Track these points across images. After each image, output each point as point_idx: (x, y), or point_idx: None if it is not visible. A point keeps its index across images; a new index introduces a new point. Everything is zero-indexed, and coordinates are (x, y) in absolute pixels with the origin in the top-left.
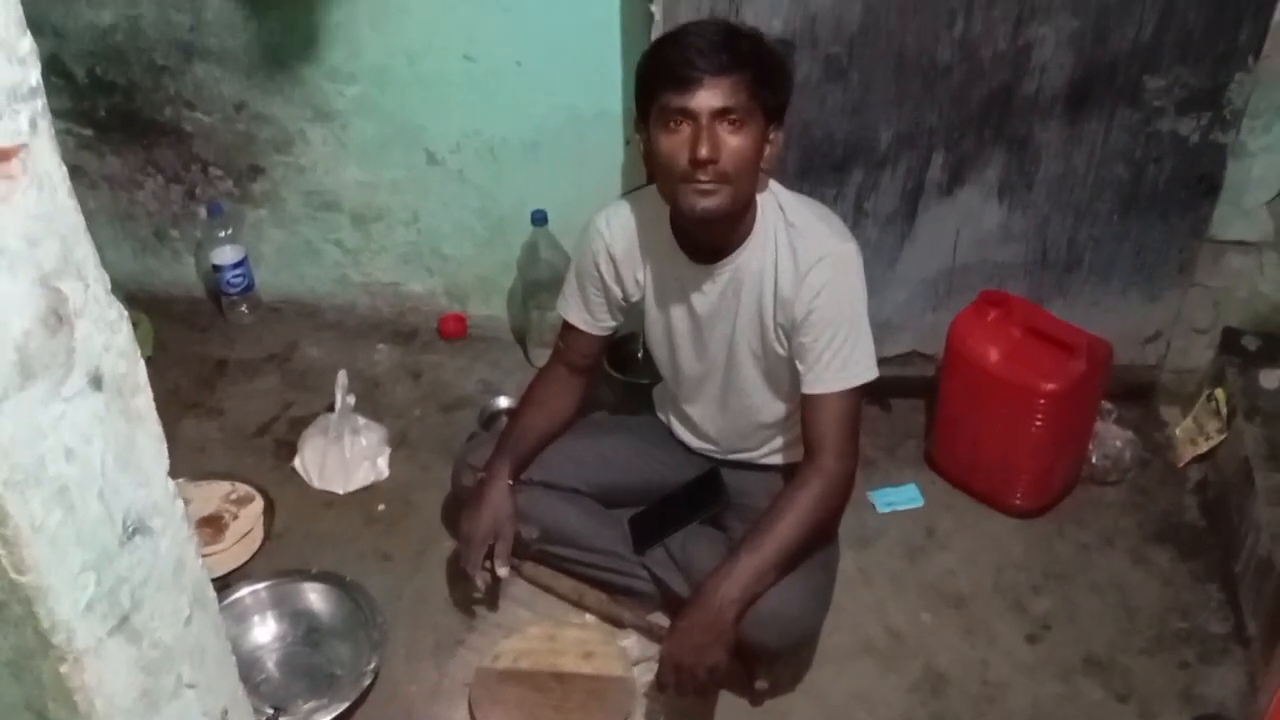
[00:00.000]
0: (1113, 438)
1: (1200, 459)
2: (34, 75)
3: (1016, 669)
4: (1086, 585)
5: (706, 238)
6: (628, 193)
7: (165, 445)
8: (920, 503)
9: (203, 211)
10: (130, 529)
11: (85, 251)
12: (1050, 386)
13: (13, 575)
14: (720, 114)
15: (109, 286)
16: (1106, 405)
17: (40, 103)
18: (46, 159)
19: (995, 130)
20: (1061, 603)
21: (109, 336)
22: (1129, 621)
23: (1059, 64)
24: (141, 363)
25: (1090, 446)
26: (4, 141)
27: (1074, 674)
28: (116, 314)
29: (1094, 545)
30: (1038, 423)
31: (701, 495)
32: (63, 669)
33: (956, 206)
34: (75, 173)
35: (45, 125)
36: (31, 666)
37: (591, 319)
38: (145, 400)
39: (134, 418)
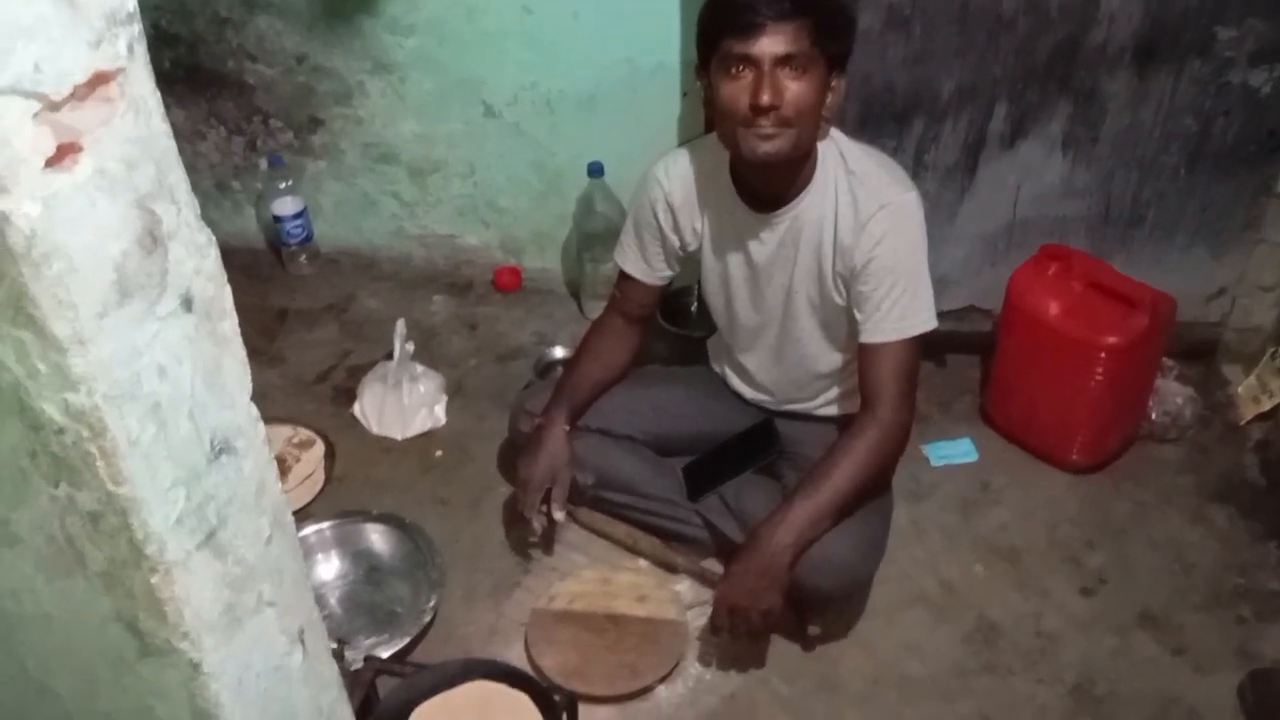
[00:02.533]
0: (1173, 395)
1: (1262, 418)
2: (131, 1)
3: (1070, 622)
4: (1143, 542)
5: (766, 185)
6: (686, 142)
7: (249, 370)
8: (975, 457)
9: (263, 163)
10: (217, 449)
11: (177, 176)
12: (1111, 341)
13: (110, 486)
14: (782, 60)
15: (199, 212)
16: (1168, 362)
17: (137, 28)
18: (142, 84)
19: (1060, 82)
20: (1117, 558)
21: (199, 260)
22: (1185, 578)
23: (1127, 14)
24: (228, 287)
25: (1150, 403)
26: (103, 65)
27: (1128, 628)
28: (206, 239)
29: (1151, 503)
30: (1097, 378)
31: (755, 444)
32: (154, 580)
33: (1018, 160)
34: None
35: (141, 50)
36: (124, 577)
37: (648, 268)
38: (231, 325)
39: (221, 341)
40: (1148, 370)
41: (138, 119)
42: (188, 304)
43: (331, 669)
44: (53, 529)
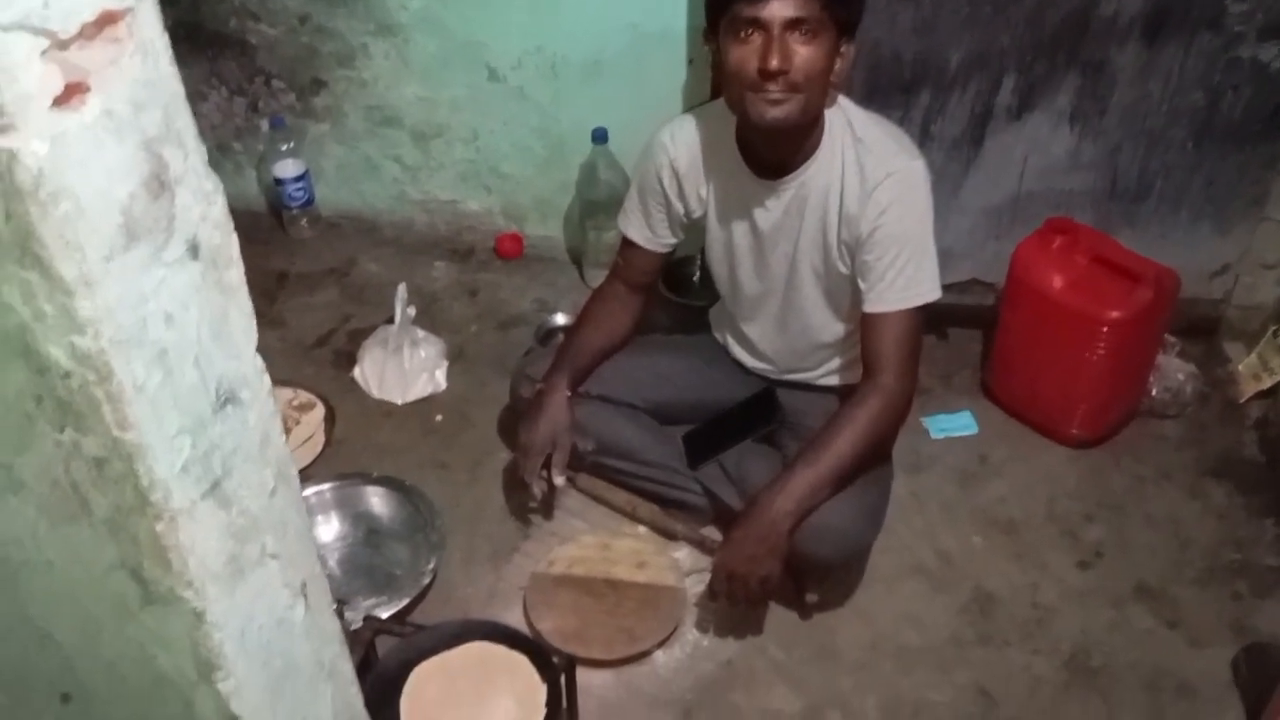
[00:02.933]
0: (1174, 371)
1: (1262, 395)
2: None
3: (1066, 594)
4: (1140, 516)
5: (773, 152)
6: (692, 107)
7: (254, 320)
8: (974, 430)
9: (265, 125)
10: (222, 398)
11: (185, 121)
12: (1114, 315)
13: (116, 432)
14: (792, 24)
15: (206, 158)
16: (1169, 338)
17: None
18: (151, 26)
19: (1069, 54)
20: (1114, 532)
21: (205, 207)
22: (1182, 553)
23: None
24: (234, 236)
25: (1151, 379)
26: (112, 4)
27: (1124, 601)
28: (213, 185)
29: (1150, 478)
30: (1099, 352)
31: (756, 413)
32: (159, 527)
33: (1025, 132)
34: None
35: None
36: (129, 524)
37: (652, 235)
38: (237, 274)
39: (227, 290)
40: (1150, 346)
41: (145, 61)
42: (194, 251)
43: (333, 624)
44: (57, 474)
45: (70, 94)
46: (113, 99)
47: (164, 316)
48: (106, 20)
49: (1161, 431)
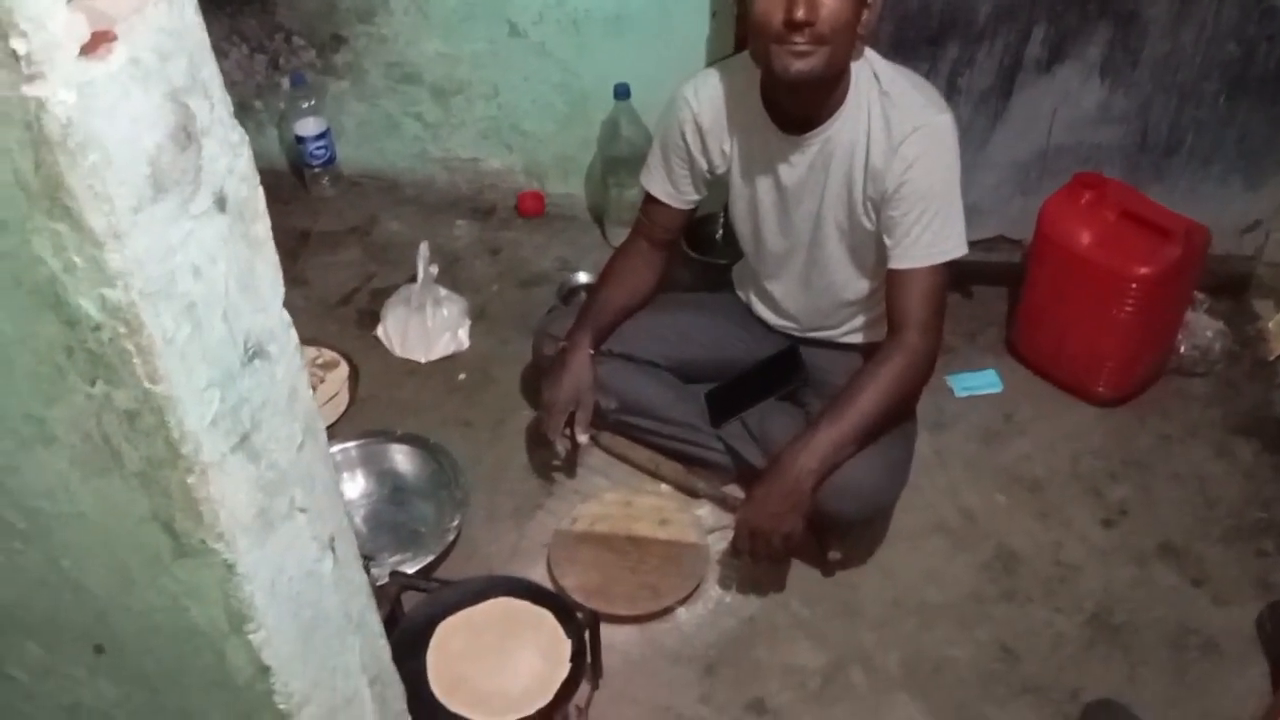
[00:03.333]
0: (1203, 328)
1: None
2: None
3: (1090, 552)
4: (1166, 475)
5: (798, 105)
6: (716, 61)
7: (280, 274)
8: (999, 388)
9: (286, 82)
10: (250, 352)
11: (211, 71)
12: (1143, 271)
13: (146, 384)
14: None
15: (231, 109)
16: (1199, 295)
17: None
18: None
19: (1100, 4)
20: (1139, 490)
21: (232, 159)
22: (1207, 511)
23: None
24: (261, 189)
25: (1179, 336)
26: None
27: (1148, 559)
28: (239, 137)
29: (1176, 436)
30: (1127, 309)
31: (779, 371)
32: (190, 480)
33: (1055, 85)
34: None
35: None
36: (160, 477)
37: (675, 192)
38: (264, 227)
39: (254, 243)
40: (1179, 303)
41: (171, 9)
42: (221, 203)
43: (361, 577)
44: (89, 427)
45: (97, 42)
46: (139, 47)
47: (192, 269)
48: None
49: (1189, 389)
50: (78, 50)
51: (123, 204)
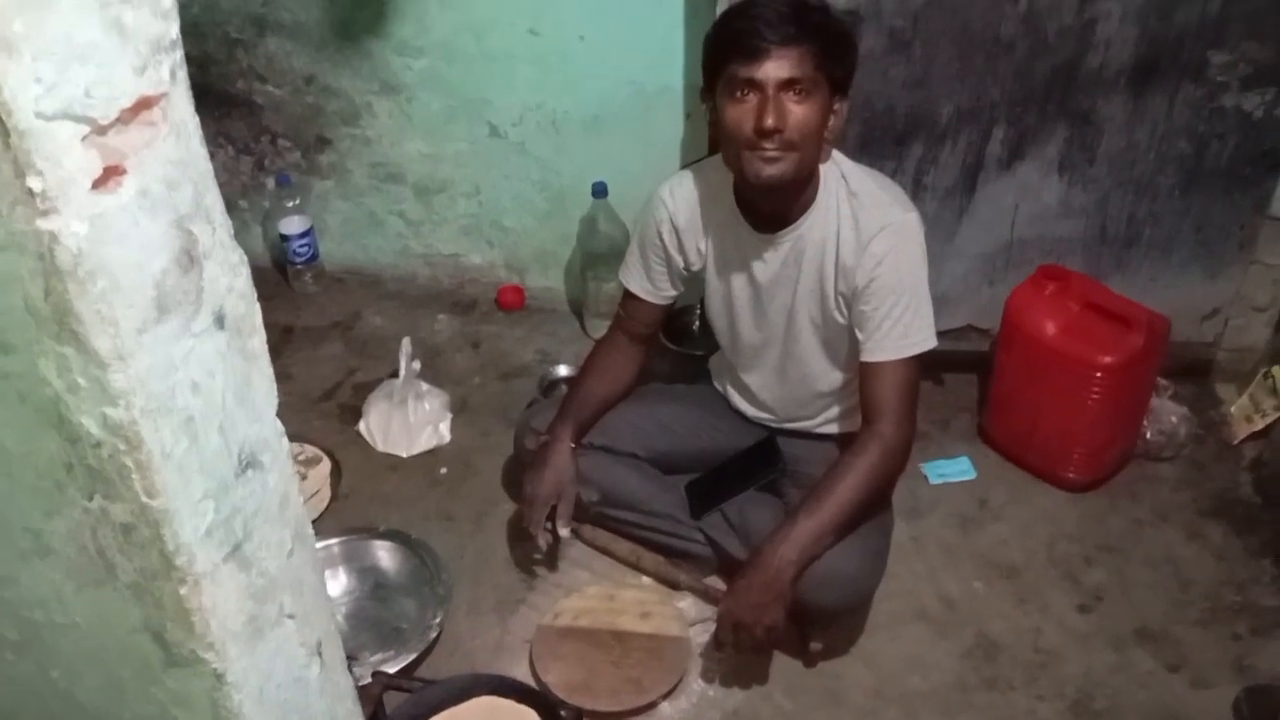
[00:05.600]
0: (1168, 414)
1: (1255, 436)
2: (174, 28)
3: (1069, 637)
4: (1139, 558)
5: (770, 206)
6: (691, 163)
7: (275, 385)
8: (973, 475)
9: (271, 182)
10: (244, 462)
11: (213, 197)
12: (1107, 360)
13: (143, 499)
14: (786, 84)
15: (232, 231)
16: (1162, 381)
17: (179, 55)
18: (183, 108)
19: (1058, 105)
20: (1114, 575)
21: (232, 278)
22: (1182, 594)
23: (1124, 39)
24: (258, 305)
25: (1145, 422)
26: (148, 90)
27: (1126, 644)
28: (238, 258)
29: (1147, 520)
30: (1094, 396)
31: (758, 462)
32: (183, 591)
33: (1016, 181)
34: None
35: (183, 76)
36: (153, 588)
37: (653, 288)
38: (260, 341)
39: (250, 356)
40: (1143, 389)
41: (179, 142)
42: (220, 321)
43: (347, 681)
44: (84, 540)
45: (108, 176)
46: (148, 179)
47: (191, 385)
48: (143, 105)
49: (1157, 473)
50: (90, 185)
51: (128, 326)
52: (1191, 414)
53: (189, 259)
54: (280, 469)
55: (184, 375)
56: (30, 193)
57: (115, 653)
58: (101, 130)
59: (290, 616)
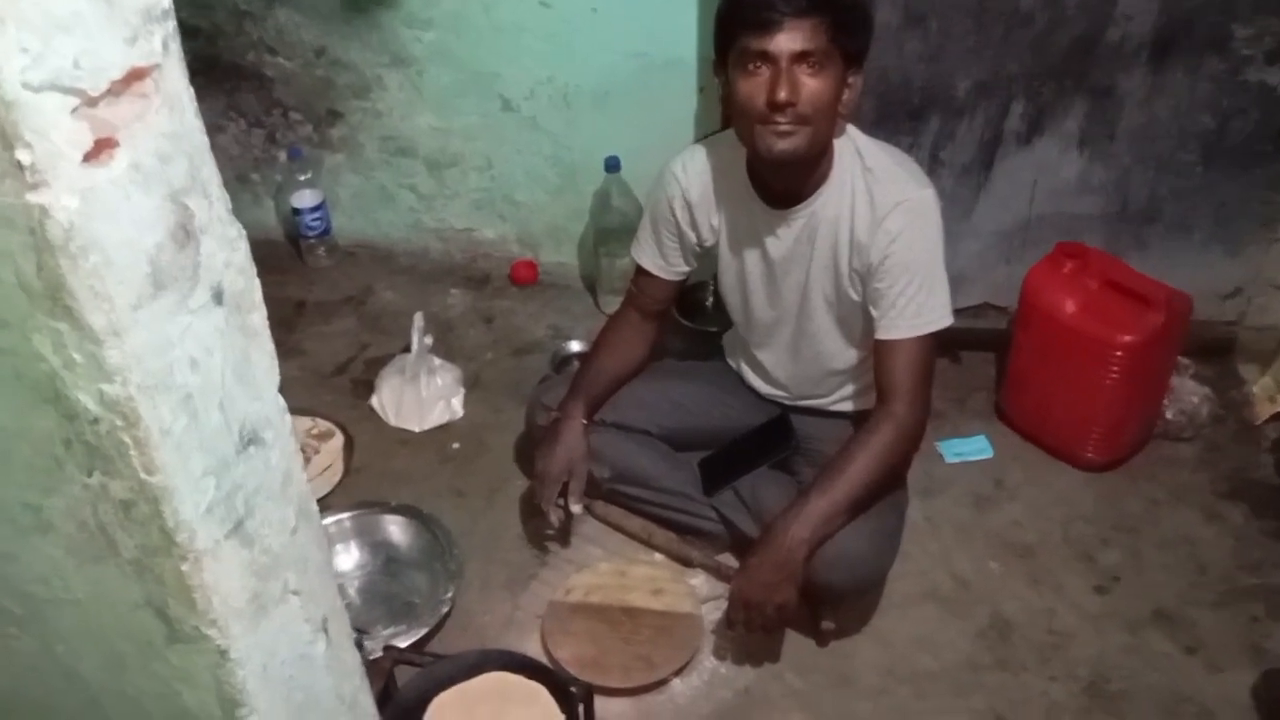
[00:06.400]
0: (1188, 393)
1: (1277, 417)
2: None
3: (1083, 619)
4: (1156, 539)
5: (783, 182)
6: (704, 138)
7: (276, 362)
8: (989, 454)
9: (282, 155)
10: (245, 439)
11: (209, 171)
12: (1127, 339)
13: (143, 475)
14: (799, 57)
15: (229, 206)
16: (1183, 360)
17: (171, 25)
18: (176, 80)
19: (1077, 80)
20: (1130, 556)
21: (229, 254)
22: (1198, 576)
23: (1145, 11)
24: (257, 280)
25: (1165, 402)
26: (139, 61)
27: (1141, 625)
28: (236, 232)
29: (1165, 500)
30: (1113, 376)
31: (771, 439)
32: (184, 567)
33: (1034, 157)
34: None
35: (176, 47)
36: (154, 565)
37: (665, 264)
38: (260, 317)
39: (250, 333)
40: (1163, 368)
41: (172, 114)
42: (218, 297)
43: (354, 657)
44: (84, 516)
45: (99, 149)
46: (140, 152)
47: (189, 361)
48: (134, 76)
49: (1176, 454)
50: (80, 158)
51: (122, 302)
52: (1213, 394)
53: (185, 234)
54: (282, 446)
55: (182, 351)
56: (19, 166)
57: (117, 629)
58: (91, 102)
59: (295, 593)
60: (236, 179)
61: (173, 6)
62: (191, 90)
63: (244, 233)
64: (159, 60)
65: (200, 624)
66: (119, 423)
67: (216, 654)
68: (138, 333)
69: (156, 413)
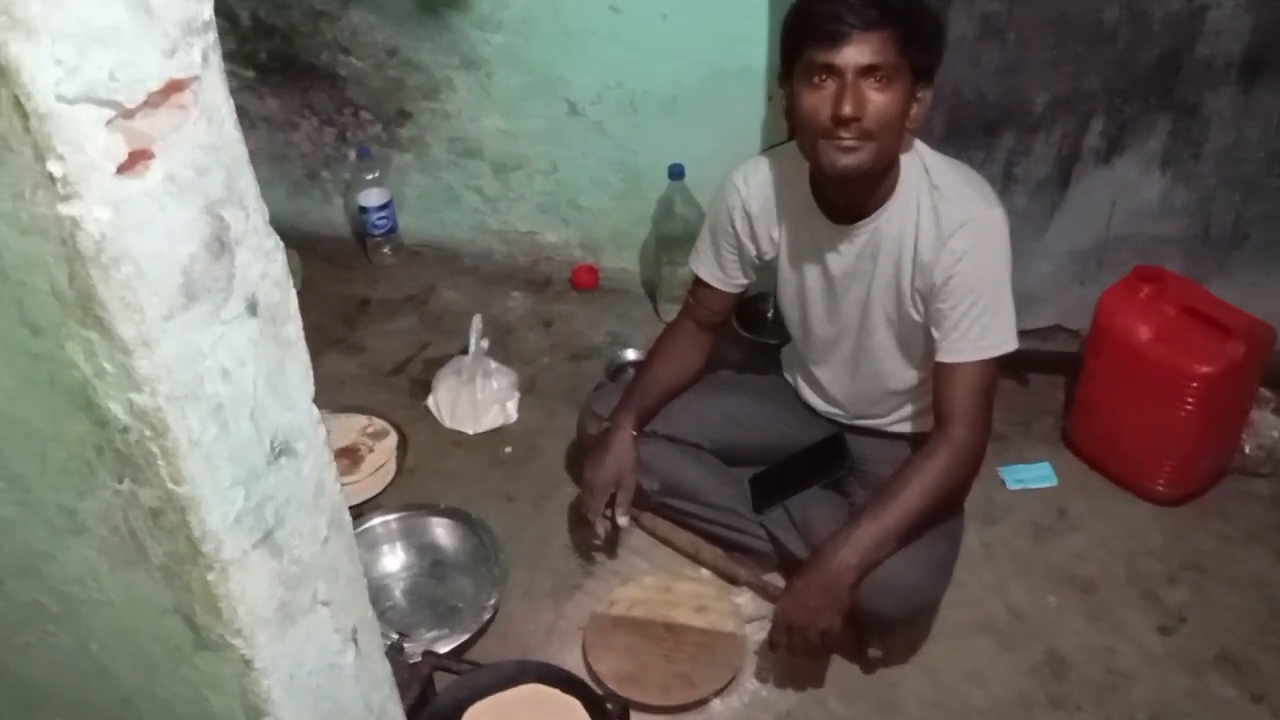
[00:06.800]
0: (1269, 428)
1: None
2: (207, 10)
3: (1144, 659)
4: (1226, 580)
5: (846, 197)
6: (767, 149)
7: (311, 373)
8: (1053, 482)
9: (352, 154)
10: (277, 450)
11: (247, 182)
12: (1203, 369)
13: (170, 485)
14: (866, 71)
15: (267, 217)
16: (1265, 393)
17: (212, 37)
18: (216, 92)
19: (1161, 97)
20: (1198, 595)
21: (265, 265)
22: (1269, 620)
23: (1236, 28)
24: (293, 292)
25: (1243, 435)
26: (178, 73)
27: (1205, 669)
28: (273, 244)
29: (1238, 539)
30: (1187, 407)
31: (824, 459)
32: (210, 577)
33: (1114, 176)
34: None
35: (216, 59)
36: (182, 572)
37: (723, 275)
38: (295, 328)
39: (284, 344)
40: (1242, 401)
41: (210, 126)
42: (253, 308)
43: (384, 667)
44: (116, 520)
45: (134, 161)
46: (176, 164)
47: (221, 372)
48: (173, 88)
49: (1253, 490)
50: (114, 169)
51: (154, 313)
52: None
53: (220, 245)
54: (315, 456)
55: (213, 362)
56: (50, 177)
57: (148, 632)
58: (128, 114)
59: (324, 603)
60: (308, 176)
61: (213, 20)
62: (231, 101)
63: (281, 245)
64: (198, 72)
65: (226, 632)
66: (148, 432)
67: (242, 663)
68: (168, 343)
69: (185, 423)
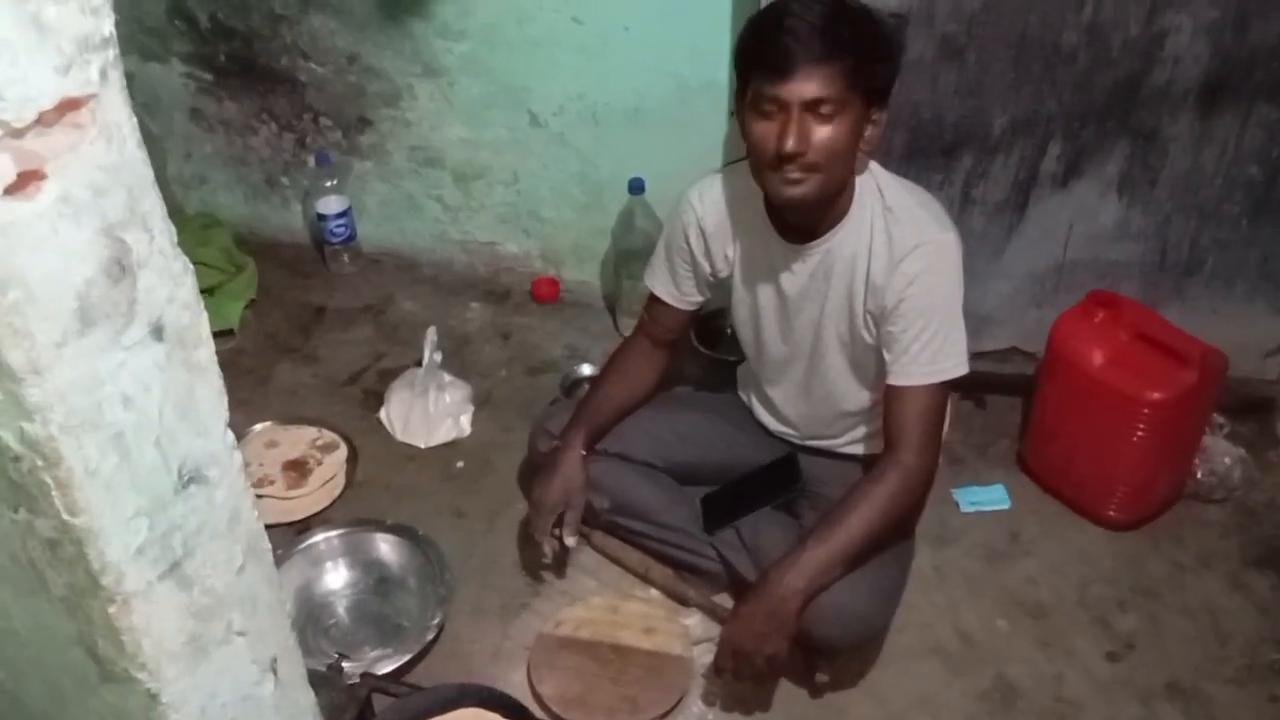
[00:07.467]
0: (1221, 454)
1: None
2: (107, 26)
3: (1093, 687)
4: (1177, 606)
5: (798, 218)
6: (723, 167)
7: (225, 397)
8: (1007, 505)
9: (311, 160)
10: (186, 478)
11: (152, 203)
12: (1155, 396)
13: (65, 516)
14: (812, 105)
15: (175, 239)
16: (1218, 419)
17: (112, 53)
18: (116, 110)
19: (1119, 122)
20: (1148, 622)
21: (173, 289)
22: (1219, 648)
23: (1194, 55)
24: (204, 315)
25: (1196, 461)
26: (73, 91)
27: (1154, 698)
28: (181, 266)
29: (1190, 565)
30: (1139, 433)
31: (776, 479)
32: (111, 610)
33: (1071, 200)
34: (194, 116)
35: (116, 76)
36: (83, 604)
37: (678, 293)
38: (207, 352)
39: (195, 369)
40: (1194, 428)
41: (109, 146)
42: (158, 332)
43: (307, 696)
44: (16, 549)
45: (24, 182)
46: (71, 184)
47: (122, 399)
48: (68, 106)
49: (1205, 516)
50: (1, 190)
51: (45, 339)
52: (1248, 455)
53: (119, 268)
54: (230, 483)
55: (113, 389)
56: None
57: (55, 662)
58: (16, 134)
59: (240, 634)
60: (266, 181)
61: (114, 36)
62: (134, 120)
63: (190, 266)
64: (96, 90)
65: (130, 666)
66: (40, 462)
67: (147, 697)
68: (62, 370)
69: (81, 452)
